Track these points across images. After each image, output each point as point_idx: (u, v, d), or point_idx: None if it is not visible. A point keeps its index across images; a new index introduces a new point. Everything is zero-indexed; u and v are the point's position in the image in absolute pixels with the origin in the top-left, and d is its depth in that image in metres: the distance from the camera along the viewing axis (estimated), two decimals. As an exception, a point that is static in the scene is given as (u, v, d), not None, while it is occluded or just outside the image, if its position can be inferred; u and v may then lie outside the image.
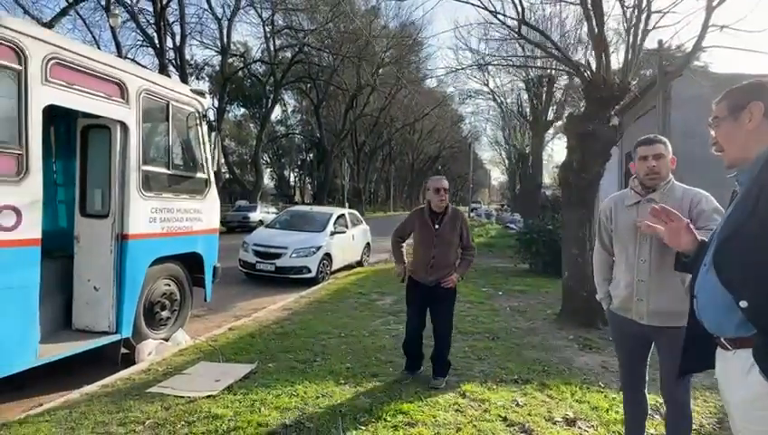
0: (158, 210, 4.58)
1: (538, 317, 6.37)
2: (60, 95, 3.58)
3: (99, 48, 18.74)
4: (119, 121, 4.16)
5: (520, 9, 6.99)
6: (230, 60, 28.53)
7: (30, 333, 3.45)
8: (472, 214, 36.67)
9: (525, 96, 24.99)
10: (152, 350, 4.53)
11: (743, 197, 1.36)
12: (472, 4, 7.23)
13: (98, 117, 4.06)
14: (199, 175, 5.28)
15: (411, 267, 3.92)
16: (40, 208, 3.43)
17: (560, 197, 11.17)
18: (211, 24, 26.31)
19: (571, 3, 9.11)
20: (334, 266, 9.98)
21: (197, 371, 4.01)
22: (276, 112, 41.57)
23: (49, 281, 3.76)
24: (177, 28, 23.30)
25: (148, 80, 4.54)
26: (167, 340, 4.84)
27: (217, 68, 29.49)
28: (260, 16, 26.93)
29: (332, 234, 9.95)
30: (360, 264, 11.60)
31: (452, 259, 3.84)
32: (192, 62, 29.48)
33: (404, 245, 4.07)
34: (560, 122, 21.95)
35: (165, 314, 4.90)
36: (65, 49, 3.64)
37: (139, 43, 23.93)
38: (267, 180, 47.08)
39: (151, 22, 22.17)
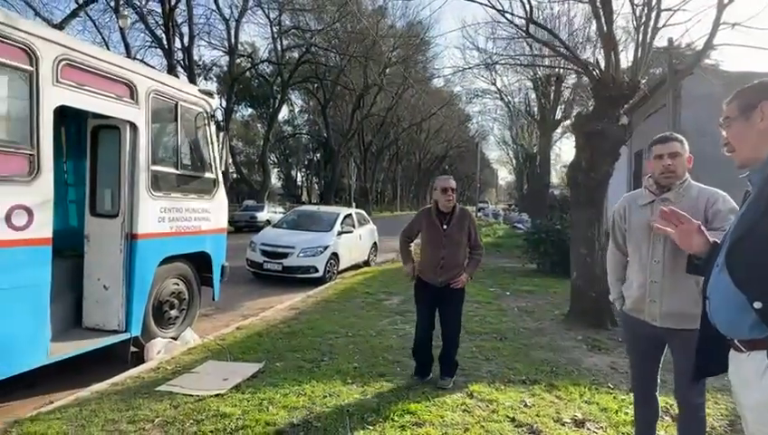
0: (166, 210, 4.61)
1: (546, 317, 6.34)
2: (70, 96, 3.62)
3: (108, 49, 18.90)
4: (128, 122, 4.19)
5: (528, 8, 6.95)
6: (238, 60, 28.68)
7: (41, 332, 3.49)
8: (479, 214, 36.54)
9: (533, 95, 24.84)
10: (161, 348, 4.57)
11: (755, 197, 1.34)
12: (479, 3, 7.20)
13: (108, 117, 4.10)
14: (207, 175, 5.31)
15: (420, 268, 3.87)
16: (51, 208, 3.46)
17: (568, 196, 11.11)
18: (219, 25, 26.45)
19: (579, 1, 9.06)
20: (341, 266, 9.99)
21: (206, 369, 4.03)
22: (283, 112, 41.82)
23: (60, 280, 3.80)
24: (185, 29, 23.52)
25: (156, 80, 4.57)
26: (175, 339, 4.87)
27: (225, 68, 29.70)
28: (267, 17, 27.08)
29: (339, 233, 9.96)
30: (367, 263, 11.61)
31: (461, 259, 3.82)
32: (200, 63, 29.70)
33: (412, 245, 4.06)
34: (568, 121, 21.78)
35: (174, 312, 4.93)
36: (76, 50, 3.67)
37: (148, 44, 24.21)
38: (274, 180, 47.28)
39: (160, 23, 22.35)
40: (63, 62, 3.54)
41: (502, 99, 27.24)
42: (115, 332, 4.20)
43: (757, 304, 1.25)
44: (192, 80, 21.65)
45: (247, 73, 32.31)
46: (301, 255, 8.99)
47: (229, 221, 6.19)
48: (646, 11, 6.05)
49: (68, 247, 4.38)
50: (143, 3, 21.86)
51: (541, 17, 12.40)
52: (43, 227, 3.39)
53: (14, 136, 3.30)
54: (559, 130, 26.22)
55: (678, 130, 9.07)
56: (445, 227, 3.75)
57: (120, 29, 20.41)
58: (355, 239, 10.79)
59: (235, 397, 3.44)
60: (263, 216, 20.66)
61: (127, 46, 21.75)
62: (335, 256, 9.61)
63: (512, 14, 7.47)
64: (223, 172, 5.65)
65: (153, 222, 4.44)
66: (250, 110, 43.85)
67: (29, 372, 3.45)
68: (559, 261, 9.54)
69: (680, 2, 6.29)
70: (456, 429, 3.06)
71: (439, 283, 3.75)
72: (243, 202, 26.45)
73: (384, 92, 35.42)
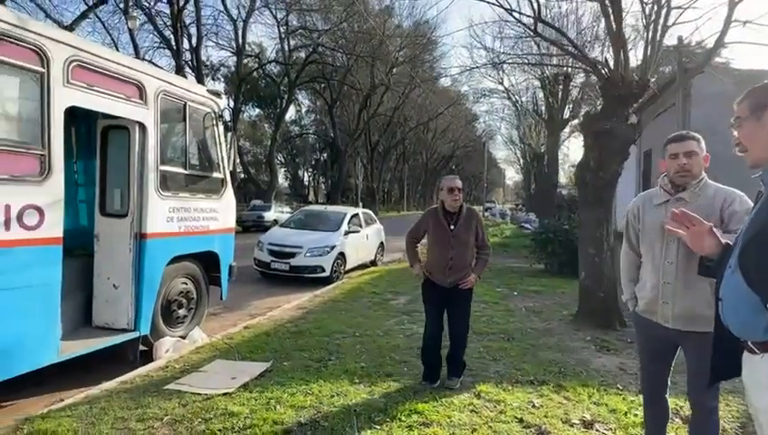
0: (175, 210, 4.64)
1: (554, 318, 6.30)
2: (81, 97, 3.65)
3: (117, 50, 19.07)
4: (137, 122, 4.22)
5: (536, 6, 6.91)
6: (245, 60, 28.80)
7: (52, 330, 3.52)
8: (486, 213, 36.44)
9: (541, 94, 24.72)
10: (169, 347, 4.60)
11: (768, 197, 1.32)
12: (487, 2, 7.17)
13: (117, 118, 4.13)
14: (215, 175, 5.34)
15: (428, 269, 3.83)
16: (62, 208, 3.49)
17: (576, 196, 11.04)
18: (226, 26, 26.62)
19: (587, -1, 8.98)
20: (348, 266, 10.00)
21: (214, 368, 4.05)
22: (290, 112, 41.96)
23: (70, 279, 3.83)
24: (193, 30, 23.65)
25: (165, 81, 4.60)
26: (184, 337, 4.90)
27: (233, 69, 29.88)
28: (275, 17, 27.16)
29: (346, 233, 9.97)
30: (373, 263, 11.61)
31: (468, 259, 3.80)
32: (208, 63, 29.90)
33: (418, 246, 4.03)
34: (576, 121, 21.67)
35: (182, 311, 4.96)
36: (86, 51, 3.70)
37: (157, 44, 24.42)
38: (281, 180, 47.52)
39: (168, 24, 22.49)
40: (74, 64, 3.57)
41: (509, 98, 27.21)
42: (124, 330, 4.23)
43: (771, 305, 1.23)
44: (200, 80, 21.78)
45: (255, 74, 32.45)
46: (308, 254, 9.02)
47: (237, 221, 6.21)
48: (656, 9, 5.99)
49: (78, 247, 4.42)
50: (152, 4, 22.09)
51: (549, 16, 12.37)
52: (54, 226, 3.42)
53: (26, 136, 3.33)
54: (567, 130, 26.11)
55: (688, 128, 8.96)
56: (452, 227, 3.72)
57: (129, 30, 20.59)
58: (362, 239, 10.80)
59: (242, 396, 3.46)
60: (270, 215, 20.74)
61: (136, 47, 21.94)
62: (342, 255, 9.62)
63: (519, 13, 7.42)
64: (231, 172, 5.67)
65: (162, 222, 4.47)
66: (257, 110, 44.09)
67: (39, 369, 3.48)
68: (567, 261, 9.49)
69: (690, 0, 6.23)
70: (463, 429, 3.05)
71: (448, 283, 3.71)
72: (250, 202, 26.54)
73: (391, 92, 35.40)
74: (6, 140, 3.18)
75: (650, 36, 6.04)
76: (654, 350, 2.42)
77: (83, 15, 20.05)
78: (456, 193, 3.71)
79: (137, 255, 4.25)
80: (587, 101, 21.34)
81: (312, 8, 27.09)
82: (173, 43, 22.25)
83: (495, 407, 3.41)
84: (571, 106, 22.77)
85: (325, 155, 49.19)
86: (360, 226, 10.89)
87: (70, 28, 17.32)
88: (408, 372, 4.08)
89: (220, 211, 5.35)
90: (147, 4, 21.72)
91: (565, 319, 6.21)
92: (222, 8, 24.86)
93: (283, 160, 49.58)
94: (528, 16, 7.27)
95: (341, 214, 10.65)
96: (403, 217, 36.42)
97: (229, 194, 5.56)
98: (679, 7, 6.27)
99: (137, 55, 20.72)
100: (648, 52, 5.99)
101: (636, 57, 10.99)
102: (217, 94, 5.42)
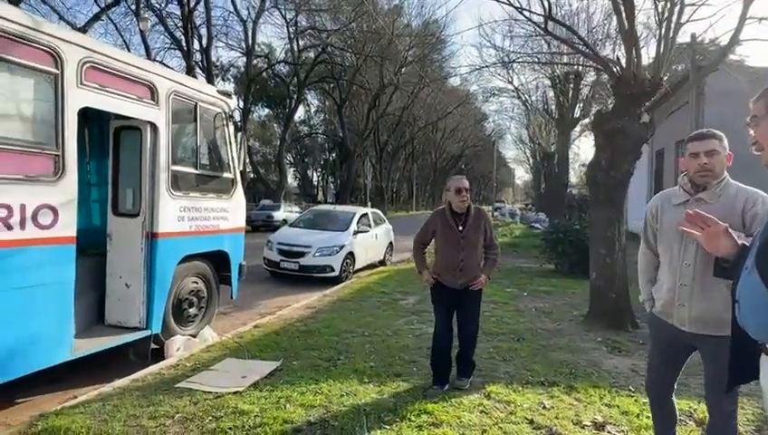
0: (186, 209, 4.68)
1: (564, 318, 6.25)
2: (94, 97, 3.69)
3: (129, 51, 19.28)
4: (149, 123, 4.26)
5: (546, 5, 6.86)
6: (255, 61, 28.93)
7: (66, 328, 3.57)
8: (496, 213, 36.30)
9: (551, 93, 24.53)
10: (180, 346, 4.64)
11: (787, 196, 1.30)
12: (497, 1, 7.16)
13: (129, 118, 4.17)
14: (226, 175, 5.37)
15: (437, 271, 3.76)
16: (75, 207, 3.54)
17: (587, 196, 10.94)
18: (236, 26, 26.84)
19: (599, -3, 8.90)
20: (357, 265, 10.01)
21: (224, 367, 4.08)
22: (300, 112, 42.14)
23: (83, 278, 3.87)
24: (203, 31, 23.80)
25: (176, 81, 4.63)
26: (194, 336, 4.94)
27: (242, 69, 30.03)
28: (284, 17, 27.27)
29: (355, 233, 9.98)
30: (382, 263, 11.61)
31: (478, 260, 3.77)
32: (218, 64, 30.15)
33: (426, 250, 3.95)
34: (587, 120, 21.46)
35: (193, 310, 5.00)
36: (99, 52, 3.74)
37: (167, 45, 24.70)
38: (291, 180, 47.72)
39: (179, 25, 22.70)
40: (87, 65, 3.61)
41: (519, 97, 27.01)
42: (136, 329, 4.28)
43: (789, 307, 1.21)
44: (210, 80, 21.94)
45: (264, 74, 32.61)
46: (317, 254, 9.04)
47: (246, 220, 6.25)
48: (668, 6, 5.92)
49: (91, 246, 4.48)
50: (163, 6, 22.30)
51: (559, 14, 12.26)
52: (68, 226, 3.47)
53: (40, 137, 3.38)
54: (577, 129, 25.83)
55: (702, 126, 8.85)
56: (461, 228, 3.66)
57: (141, 31, 20.81)
58: (371, 239, 10.81)
59: (253, 395, 3.48)
60: (279, 215, 20.85)
61: (147, 48, 22.16)
62: (351, 255, 9.63)
63: (530, 12, 7.39)
64: (241, 172, 5.70)
65: (173, 221, 4.51)
66: (267, 110, 44.33)
67: (53, 367, 3.53)
68: (578, 261, 9.41)
69: (704, -4, 6.15)
70: (473, 430, 3.04)
71: (459, 285, 3.67)
72: (259, 201, 26.71)
73: (400, 92, 35.37)
74: (21, 140, 3.23)
75: (663, 34, 5.96)
76: (666, 352, 2.38)
77: (96, 17, 20.31)
78: (463, 194, 3.65)
79: (148, 254, 4.29)
80: (598, 100, 21.12)
81: (321, 8, 27.15)
82: (183, 44, 22.44)
83: (505, 408, 3.39)
84: (581, 105, 22.55)
85: (334, 155, 49.30)
86: (369, 225, 10.90)
87: (83, 30, 17.55)
88: (418, 372, 4.08)
89: (230, 211, 5.38)
90: (158, 6, 21.99)
91: (576, 320, 6.15)
92: (232, 9, 25.17)
93: (292, 160, 49.79)
94: (538, 15, 7.23)
95: (350, 214, 10.67)
96: (412, 216, 36.38)
97: (239, 194, 5.59)
98: (693, 4, 6.19)
99: (148, 56, 20.93)
100: (661, 49, 5.92)
101: (648, 55, 10.84)
102: (227, 94, 5.45)
